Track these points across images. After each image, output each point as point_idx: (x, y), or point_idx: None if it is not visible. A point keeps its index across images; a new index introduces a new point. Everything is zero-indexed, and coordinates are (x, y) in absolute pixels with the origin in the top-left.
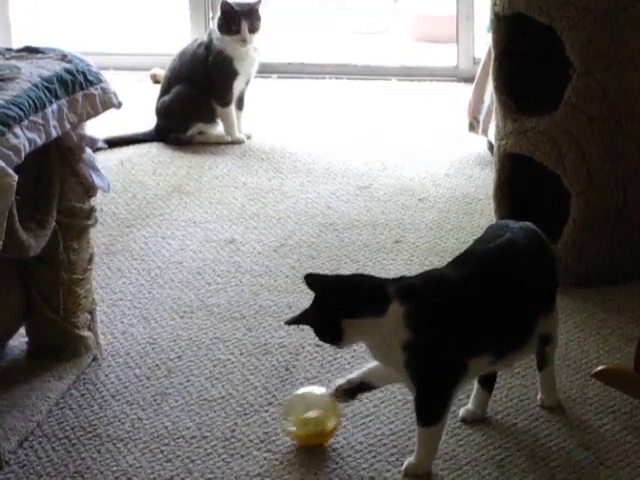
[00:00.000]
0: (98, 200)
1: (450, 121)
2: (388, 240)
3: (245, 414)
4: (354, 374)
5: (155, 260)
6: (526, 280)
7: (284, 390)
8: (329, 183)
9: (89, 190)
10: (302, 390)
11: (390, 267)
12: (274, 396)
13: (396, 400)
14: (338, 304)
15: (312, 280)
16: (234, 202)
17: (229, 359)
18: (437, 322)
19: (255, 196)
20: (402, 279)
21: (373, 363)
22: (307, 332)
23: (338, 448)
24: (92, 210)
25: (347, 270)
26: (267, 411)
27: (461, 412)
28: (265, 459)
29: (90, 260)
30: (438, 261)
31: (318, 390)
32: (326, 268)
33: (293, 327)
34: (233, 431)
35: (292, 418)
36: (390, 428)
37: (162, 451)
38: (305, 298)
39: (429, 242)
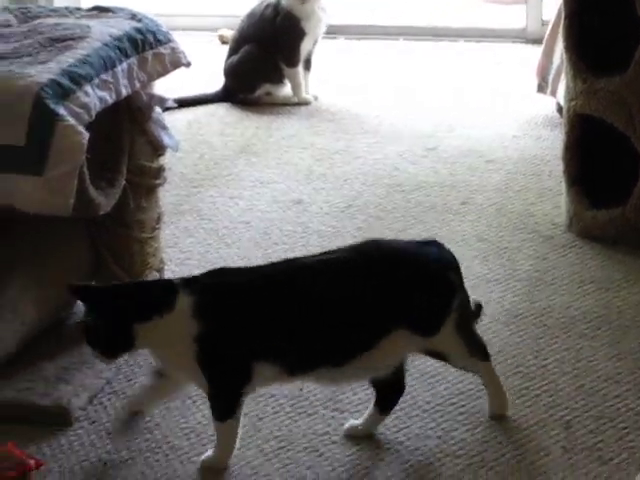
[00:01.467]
0: (166, 160)
1: (518, 82)
2: (455, 201)
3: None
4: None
5: (222, 220)
6: (344, 304)
7: None
8: (396, 144)
9: (158, 149)
10: None
11: (457, 229)
12: None
13: None
14: (126, 309)
15: (86, 293)
16: (301, 163)
17: None
18: (225, 314)
19: (322, 157)
20: (190, 277)
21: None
22: None
23: (405, 407)
24: (161, 169)
25: (415, 232)
26: None
27: (346, 426)
28: (332, 418)
29: (158, 219)
30: (505, 222)
31: None
32: (393, 229)
33: None
34: (300, 390)
35: None
36: (458, 388)
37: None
38: None
39: (496, 203)
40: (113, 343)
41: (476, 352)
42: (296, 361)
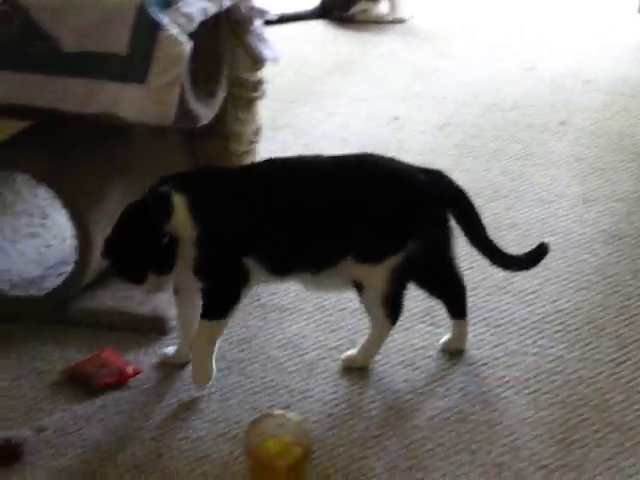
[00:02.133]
0: (264, 74)
1: (620, 3)
2: (553, 121)
3: (408, 288)
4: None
5: (319, 136)
6: (331, 208)
7: None
8: (494, 64)
9: (257, 62)
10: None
11: (555, 148)
12: None
13: (561, 279)
14: (143, 254)
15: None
16: (398, 80)
17: None
18: (218, 212)
19: (418, 75)
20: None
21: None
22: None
23: (503, 324)
24: (260, 82)
25: (511, 150)
26: None
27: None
28: (428, 332)
29: (256, 132)
30: (604, 143)
31: (290, 415)
32: (490, 148)
33: None
34: None
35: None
36: (554, 306)
37: (326, 322)
38: (467, 176)
39: (595, 124)
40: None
41: (389, 306)
42: (278, 262)
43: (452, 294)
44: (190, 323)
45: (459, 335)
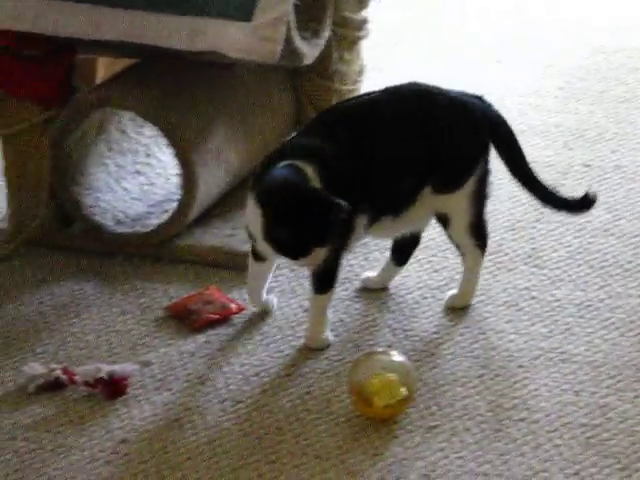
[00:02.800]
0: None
1: None
2: None
3: (513, 229)
4: None
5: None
6: (405, 144)
7: None
8: (600, 7)
9: (362, 1)
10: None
11: None
12: (542, 213)
13: None
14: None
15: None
16: (501, 22)
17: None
18: (335, 175)
19: (523, 16)
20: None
21: None
22: (575, 152)
23: (606, 266)
24: (364, 21)
25: (616, 93)
26: (535, 227)
27: (362, 277)
28: (532, 274)
29: (360, 72)
30: None
31: (390, 354)
32: (595, 90)
33: (562, 146)
34: (501, 245)
35: (362, 383)
36: None
37: (429, 262)
38: (572, 118)
39: None
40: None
41: (477, 234)
42: (374, 209)
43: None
44: (261, 288)
45: (391, 275)
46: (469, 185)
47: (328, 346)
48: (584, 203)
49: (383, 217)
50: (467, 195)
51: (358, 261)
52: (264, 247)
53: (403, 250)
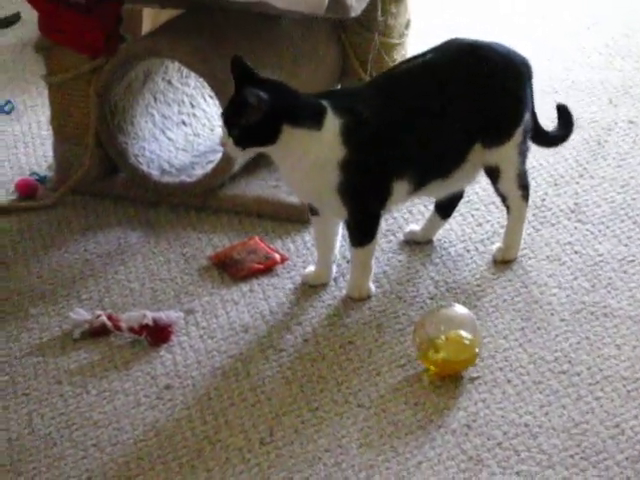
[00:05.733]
0: None
1: None
2: None
3: (556, 184)
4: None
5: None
6: (454, 103)
7: (595, 164)
8: None
9: None
10: (443, 308)
11: None
12: (585, 169)
13: None
14: (280, 107)
15: (243, 70)
16: None
17: None
18: (371, 139)
19: None
20: (334, 94)
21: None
22: (620, 108)
23: None
24: None
25: None
26: (578, 183)
27: (406, 230)
28: (575, 229)
29: (407, 25)
30: None
31: (460, 309)
32: None
33: (607, 102)
34: (544, 200)
35: (434, 339)
36: None
37: (472, 215)
38: (616, 75)
39: None
40: (255, 131)
41: (523, 185)
42: (420, 174)
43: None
44: (328, 247)
45: (435, 228)
46: (518, 135)
47: (369, 297)
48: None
49: (433, 180)
50: (516, 145)
51: (402, 214)
52: None
53: (448, 204)
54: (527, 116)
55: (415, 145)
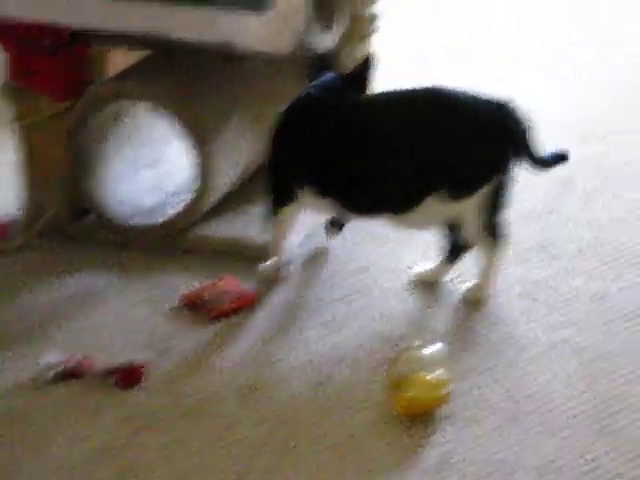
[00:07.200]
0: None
1: None
2: None
3: (527, 220)
4: None
5: (426, 67)
6: (412, 148)
7: (564, 201)
8: None
9: None
10: (415, 347)
11: None
12: (555, 205)
13: None
14: None
15: None
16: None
17: None
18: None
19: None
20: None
21: None
22: (588, 146)
23: (619, 258)
24: (374, 17)
25: None
26: (548, 219)
27: (414, 270)
28: (547, 265)
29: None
30: None
31: (433, 347)
32: None
33: (574, 141)
34: (515, 236)
35: (406, 378)
36: None
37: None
38: (585, 114)
39: None
40: None
41: (492, 233)
42: (348, 197)
43: (461, 240)
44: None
45: (440, 273)
46: (480, 195)
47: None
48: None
49: (383, 212)
50: (478, 203)
51: (371, 248)
52: None
53: (452, 248)
54: (499, 177)
55: (337, 168)
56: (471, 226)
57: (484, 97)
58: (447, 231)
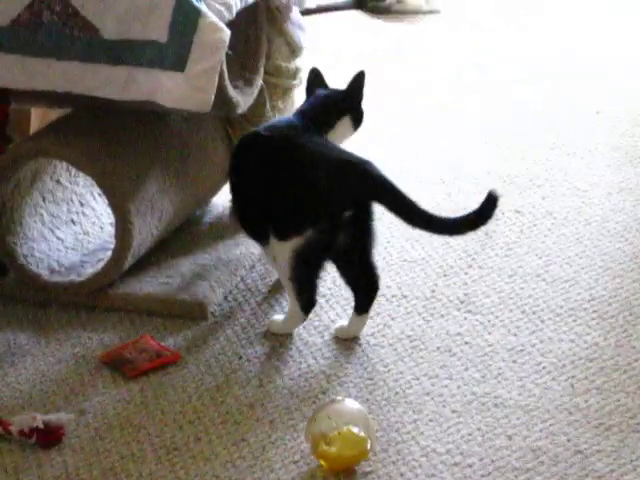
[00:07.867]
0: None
1: None
2: (589, 110)
3: (445, 275)
4: None
5: None
6: (260, 186)
7: (483, 254)
8: (532, 52)
9: (295, 50)
10: (335, 402)
11: (590, 137)
12: (473, 259)
13: (596, 267)
14: None
15: None
16: (443, 69)
17: None
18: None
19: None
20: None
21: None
22: (506, 198)
23: (538, 311)
24: (297, 70)
25: (545, 140)
26: (467, 273)
27: (336, 327)
28: (465, 319)
29: None
30: None
31: (352, 403)
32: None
33: None
34: (433, 291)
35: (326, 434)
36: (590, 294)
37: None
38: (503, 166)
39: (631, 112)
40: None
41: (300, 295)
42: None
43: (361, 289)
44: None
45: (356, 325)
46: (295, 242)
47: None
48: (488, 205)
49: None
50: (291, 249)
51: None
52: None
53: (359, 299)
54: (315, 233)
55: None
56: (280, 270)
57: (348, 155)
58: (346, 284)
